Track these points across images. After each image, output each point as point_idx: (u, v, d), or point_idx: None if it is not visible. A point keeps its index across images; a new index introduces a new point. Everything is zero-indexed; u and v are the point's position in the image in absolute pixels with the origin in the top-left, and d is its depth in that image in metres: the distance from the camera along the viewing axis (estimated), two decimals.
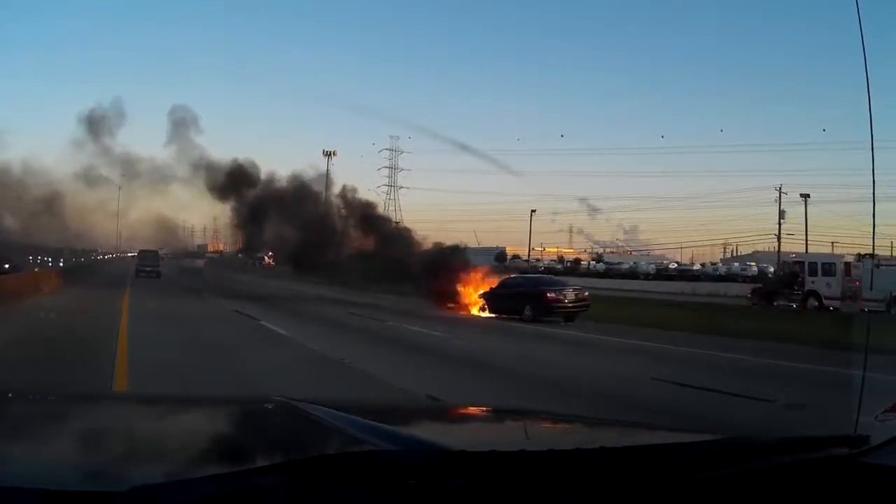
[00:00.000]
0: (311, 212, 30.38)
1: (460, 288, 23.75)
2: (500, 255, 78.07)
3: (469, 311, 22.26)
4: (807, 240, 47.37)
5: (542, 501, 1.24)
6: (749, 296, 31.00)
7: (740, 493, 1.41)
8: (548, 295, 19.07)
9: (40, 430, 1.72)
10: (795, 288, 27.92)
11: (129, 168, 35.88)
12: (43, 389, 4.18)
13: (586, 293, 20.35)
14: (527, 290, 20.12)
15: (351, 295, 26.76)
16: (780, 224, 50.71)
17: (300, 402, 1.91)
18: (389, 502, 1.15)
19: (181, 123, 34.42)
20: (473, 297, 22.74)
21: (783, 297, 28.47)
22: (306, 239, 28.98)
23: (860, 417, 1.93)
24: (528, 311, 19.07)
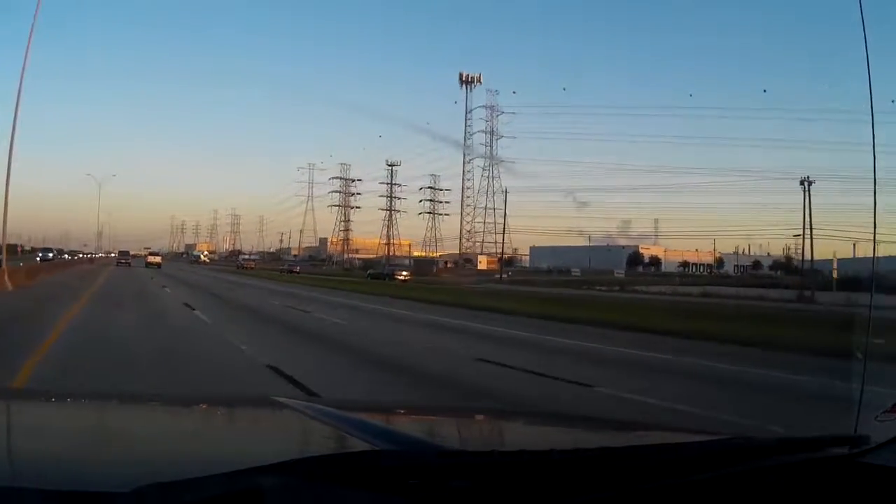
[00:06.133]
0: None
1: None
2: (633, 258, 61.33)
3: None
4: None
5: (542, 502, 1.24)
6: None
7: (740, 493, 1.41)
8: None
9: (41, 430, 1.72)
10: None
11: None
12: (43, 388, 4.20)
13: None
14: None
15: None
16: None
17: (300, 401, 1.91)
18: (389, 502, 1.15)
19: None
20: None
21: None
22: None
23: (860, 417, 1.93)
24: None
